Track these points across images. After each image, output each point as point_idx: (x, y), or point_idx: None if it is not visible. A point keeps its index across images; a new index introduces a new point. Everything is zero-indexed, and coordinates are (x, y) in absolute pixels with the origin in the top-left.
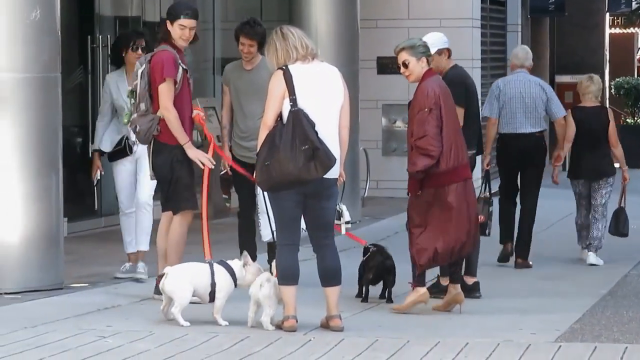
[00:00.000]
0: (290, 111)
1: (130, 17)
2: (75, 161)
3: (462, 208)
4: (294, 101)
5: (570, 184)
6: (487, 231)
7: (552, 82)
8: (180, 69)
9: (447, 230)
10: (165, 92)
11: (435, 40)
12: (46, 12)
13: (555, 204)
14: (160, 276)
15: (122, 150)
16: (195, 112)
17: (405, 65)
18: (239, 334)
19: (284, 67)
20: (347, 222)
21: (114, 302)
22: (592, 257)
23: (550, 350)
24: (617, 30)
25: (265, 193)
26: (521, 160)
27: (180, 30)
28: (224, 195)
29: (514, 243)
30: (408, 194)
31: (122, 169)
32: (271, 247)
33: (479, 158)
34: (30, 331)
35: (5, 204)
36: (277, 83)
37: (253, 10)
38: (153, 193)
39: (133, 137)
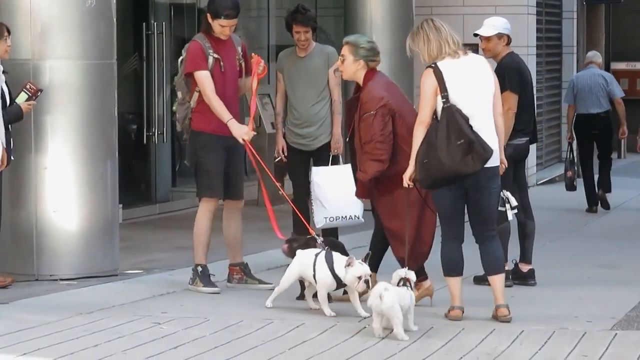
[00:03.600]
0: (443, 108)
1: (186, 4)
2: (130, 148)
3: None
4: (446, 97)
5: None
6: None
7: (607, 69)
8: (211, 59)
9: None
10: (201, 82)
11: (497, 23)
12: None
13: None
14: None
15: None
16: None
17: (342, 60)
18: (294, 321)
19: (433, 65)
20: (513, 208)
21: (169, 288)
22: None
23: (605, 338)
24: None
25: (320, 180)
26: (592, 133)
27: (221, 27)
28: (277, 183)
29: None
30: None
31: None
32: (325, 232)
33: (533, 147)
34: (86, 317)
35: (61, 190)
36: (428, 81)
37: None
38: None
39: None
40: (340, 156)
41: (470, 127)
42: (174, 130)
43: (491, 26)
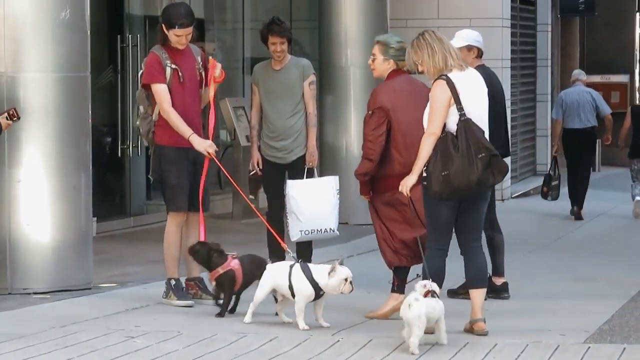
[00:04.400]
0: (460, 120)
1: (160, 16)
2: (104, 161)
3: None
4: (461, 110)
5: (630, 163)
6: None
7: None
8: (169, 70)
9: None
10: (157, 95)
11: (466, 35)
12: (76, 11)
13: (584, 205)
14: (188, 279)
15: None
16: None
17: (373, 59)
18: (268, 334)
19: (444, 77)
20: None
21: (143, 302)
22: None
23: (579, 351)
24: None
25: (296, 194)
26: (578, 146)
27: (176, 37)
28: (250, 196)
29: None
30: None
31: None
32: (300, 246)
33: (507, 160)
34: (59, 331)
35: (35, 203)
36: (441, 92)
37: (283, 10)
38: None
39: None
40: (315, 169)
41: (487, 140)
42: None
43: (460, 38)
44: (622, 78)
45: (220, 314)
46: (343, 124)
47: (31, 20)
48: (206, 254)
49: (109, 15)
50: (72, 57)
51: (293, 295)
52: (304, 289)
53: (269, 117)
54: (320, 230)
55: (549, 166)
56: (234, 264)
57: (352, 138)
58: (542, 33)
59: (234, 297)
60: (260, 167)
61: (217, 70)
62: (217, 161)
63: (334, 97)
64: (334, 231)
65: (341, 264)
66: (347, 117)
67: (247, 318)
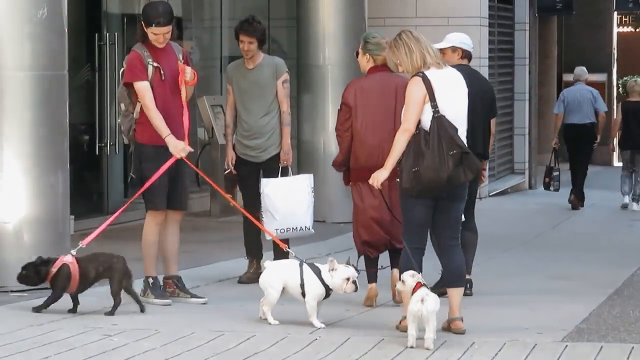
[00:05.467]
0: (433, 117)
1: (138, 14)
2: (82, 159)
3: (380, 212)
4: (435, 107)
5: (620, 153)
6: None
7: (559, 81)
8: (151, 68)
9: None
10: (139, 92)
11: (453, 38)
12: (53, 10)
13: (561, 203)
14: (166, 277)
15: None
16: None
17: (356, 55)
18: (244, 333)
19: (421, 74)
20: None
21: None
22: (635, 206)
23: (556, 350)
24: (626, 29)
25: (271, 192)
26: (578, 140)
27: (154, 35)
28: (227, 194)
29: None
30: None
31: None
32: (276, 245)
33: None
34: (37, 329)
35: (12, 201)
36: (416, 88)
37: (261, 9)
38: None
39: None
40: (290, 168)
41: (459, 138)
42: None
43: (446, 40)
44: (600, 77)
45: (37, 309)
46: (321, 122)
47: (8, 19)
48: (33, 271)
49: (87, 13)
50: (49, 55)
51: (302, 295)
52: (316, 289)
53: (242, 116)
54: (296, 228)
55: (550, 159)
56: (66, 259)
57: (329, 136)
58: (520, 32)
59: (75, 296)
60: (235, 166)
61: (187, 74)
62: (190, 164)
63: (312, 95)
64: (309, 229)
65: (348, 264)
66: (324, 116)
67: (270, 320)
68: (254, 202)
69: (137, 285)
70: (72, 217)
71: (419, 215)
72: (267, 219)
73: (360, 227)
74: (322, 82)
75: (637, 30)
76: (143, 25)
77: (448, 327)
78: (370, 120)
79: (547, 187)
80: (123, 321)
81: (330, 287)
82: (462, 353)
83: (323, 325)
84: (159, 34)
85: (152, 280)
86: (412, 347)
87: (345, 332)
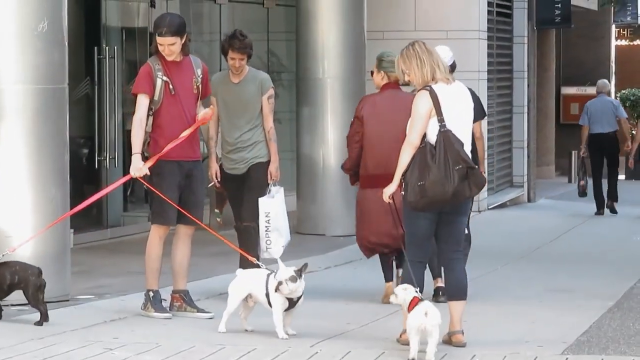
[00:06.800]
0: (440, 132)
1: (137, 28)
2: (82, 172)
3: (380, 211)
4: (442, 121)
5: None
6: None
7: (557, 94)
8: (159, 81)
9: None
10: (137, 104)
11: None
12: (53, 23)
13: (560, 216)
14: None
15: None
16: (202, 114)
17: (371, 72)
18: (246, 346)
19: (428, 88)
20: None
21: (121, 314)
22: None
23: None
24: (624, 42)
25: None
26: (602, 149)
27: (160, 46)
28: (215, 210)
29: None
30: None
31: None
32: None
33: None
34: (38, 343)
35: (13, 215)
36: (423, 102)
37: (260, 22)
38: None
39: None
40: (277, 184)
41: (465, 153)
42: (125, 155)
43: None
44: None
45: None
46: (320, 135)
47: (9, 32)
48: None
49: (86, 26)
50: (50, 68)
51: (268, 303)
52: (280, 299)
53: (227, 129)
54: (288, 239)
55: (575, 168)
56: None
57: (329, 149)
58: (519, 45)
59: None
60: (219, 179)
61: (199, 114)
62: (145, 183)
63: (311, 108)
64: (289, 238)
65: (300, 270)
66: (324, 129)
67: (222, 327)
68: (237, 214)
69: (139, 299)
70: (72, 230)
71: (422, 228)
72: (275, 238)
73: (365, 229)
74: (322, 95)
75: (635, 42)
76: (156, 36)
77: (449, 340)
78: (379, 133)
79: (582, 192)
80: (124, 334)
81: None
82: None
83: (286, 337)
84: (163, 45)
85: (152, 294)
86: (413, 359)
87: (346, 345)
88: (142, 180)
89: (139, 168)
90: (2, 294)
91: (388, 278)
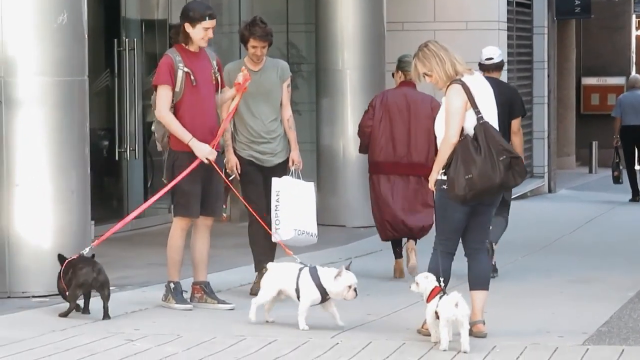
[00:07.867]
0: (479, 124)
1: (157, 20)
2: (102, 164)
3: (388, 197)
4: (479, 113)
5: None
6: None
7: (578, 84)
8: (181, 72)
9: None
10: (159, 98)
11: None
12: (73, 16)
13: (580, 207)
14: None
15: None
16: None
17: (392, 75)
18: (267, 337)
19: (459, 81)
20: None
21: (142, 305)
22: None
23: (577, 353)
24: None
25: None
26: (634, 139)
27: (204, 31)
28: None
29: None
30: None
31: None
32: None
33: None
34: (59, 334)
35: (33, 207)
36: (457, 97)
37: (279, 12)
38: None
39: None
40: (300, 172)
41: (506, 142)
42: (145, 146)
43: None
44: (619, 80)
45: None
46: (340, 126)
47: (29, 25)
48: None
49: (106, 18)
50: (69, 61)
51: (298, 298)
52: (310, 294)
53: (248, 119)
54: (308, 232)
55: (613, 157)
56: None
57: (349, 140)
58: (539, 36)
59: None
60: (239, 171)
61: (239, 77)
62: (216, 167)
63: (331, 99)
64: (316, 236)
65: (347, 268)
66: (343, 120)
67: (252, 316)
68: (261, 206)
69: (160, 290)
70: (93, 222)
71: (457, 221)
72: (285, 217)
73: (378, 212)
74: (341, 86)
75: None
76: (188, 25)
77: (470, 331)
78: (386, 124)
79: (616, 180)
80: (145, 326)
81: (329, 292)
82: (483, 357)
83: (307, 328)
84: (209, 28)
85: (173, 285)
86: (445, 350)
87: (367, 336)
88: (214, 164)
89: (208, 151)
90: (86, 289)
91: (397, 256)
